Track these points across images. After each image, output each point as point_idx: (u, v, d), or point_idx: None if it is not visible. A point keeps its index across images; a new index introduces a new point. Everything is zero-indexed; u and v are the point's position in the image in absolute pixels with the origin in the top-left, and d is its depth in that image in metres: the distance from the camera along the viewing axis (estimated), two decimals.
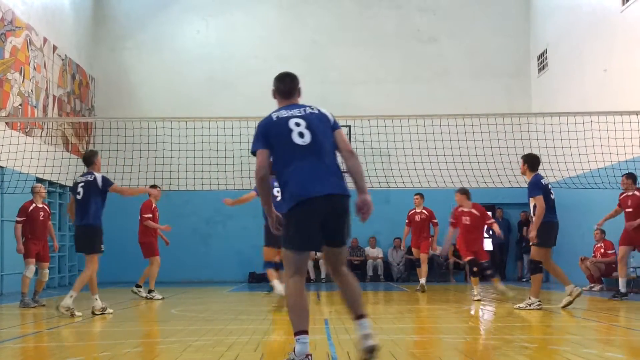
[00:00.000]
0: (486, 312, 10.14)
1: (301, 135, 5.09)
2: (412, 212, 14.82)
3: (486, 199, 20.03)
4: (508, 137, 14.72)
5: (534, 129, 15.99)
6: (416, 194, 14.85)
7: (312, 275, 19.56)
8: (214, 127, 14.88)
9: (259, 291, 15.19)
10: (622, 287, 12.02)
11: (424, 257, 14.49)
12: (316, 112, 5.27)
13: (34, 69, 16.62)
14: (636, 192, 12.28)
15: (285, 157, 5.08)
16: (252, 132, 16.88)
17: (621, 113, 13.51)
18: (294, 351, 4.89)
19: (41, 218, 11.79)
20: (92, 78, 20.79)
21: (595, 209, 16.26)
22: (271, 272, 10.24)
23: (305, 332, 4.91)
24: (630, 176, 12.36)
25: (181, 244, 18.13)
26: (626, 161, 13.64)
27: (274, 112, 5.33)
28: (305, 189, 4.95)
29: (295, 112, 5.23)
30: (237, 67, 20.95)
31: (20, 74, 15.85)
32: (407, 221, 14.91)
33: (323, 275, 19.55)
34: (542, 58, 20.23)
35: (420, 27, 21.32)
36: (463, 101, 19.89)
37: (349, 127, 19.90)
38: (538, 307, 9.74)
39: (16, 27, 15.71)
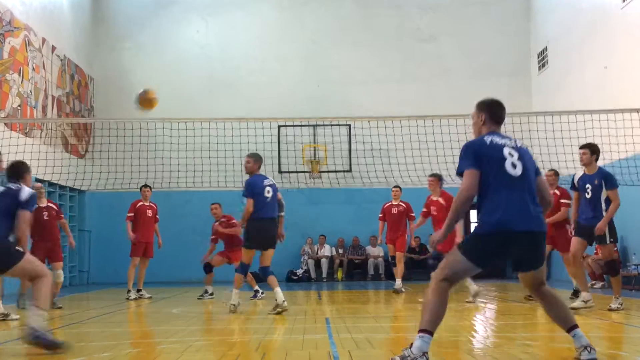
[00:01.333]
0: (488, 310, 10.12)
1: (514, 165, 5.09)
2: (389, 204, 13.87)
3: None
4: (509, 135, 14.69)
5: (534, 128, 15.97)
6: (395, 186, 13.98)
7: (313, 275, 19.54)
8: (214, 127, 14.88)
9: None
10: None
11: (399, 256, 13.45)
12: (524, 147, 5.28)
13: (33, 69, 16.60)
14: (556, 191, 11.86)
15: (497, 184, 5.06)
16: (252, 132, 16.91)
17: (622, 111, 13.49)
18: (411, 347, 4.93)
19: (45, 218, 11.41)
20: (91, 78, 20.77)
21: None
22: (239, 278, 9.78)
23: (430, 334, 4.96)
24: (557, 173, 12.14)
25: (181, 244, 18.11)
26: (627, 159, 13.63)
27: (486, 135, 5.37)
28: (512, 221, 4.97)
29: (507, 142, 5.25)
30: (237, 67, 20.95)
31: (19, 74, 15.83)
32: (380, 215, 13.91)
33: (324, 275, 19.54)
34: (542, 56, 20.21)
35: (420, 26, 21.31)
36: (463, 100, 19.74)
37: (349, 126, 19.92)
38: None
39: (15, 27, 15.68)
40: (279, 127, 19.86)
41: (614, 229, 9.73)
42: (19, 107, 15.78)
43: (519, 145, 5.23)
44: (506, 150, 5.13)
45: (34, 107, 16.63)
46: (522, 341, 6.42)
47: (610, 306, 9.40)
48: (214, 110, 18.39)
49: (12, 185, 6.68)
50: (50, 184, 17.06)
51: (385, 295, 14.32)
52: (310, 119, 16.75)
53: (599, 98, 15.58)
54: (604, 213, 9.31)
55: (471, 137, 15.81)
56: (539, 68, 20.40)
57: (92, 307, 11.13)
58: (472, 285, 11.06)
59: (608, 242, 9.65)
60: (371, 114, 15.98)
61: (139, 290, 13.02)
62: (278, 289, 9.45)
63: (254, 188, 9.69)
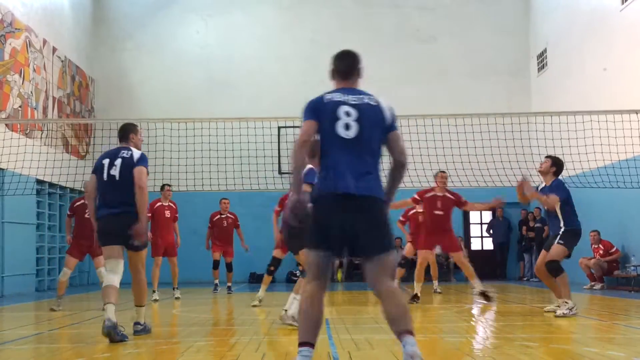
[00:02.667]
0: (487, 311, 10.14)
1: (347, 126, 4.60)
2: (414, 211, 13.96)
3: (486, 198, 20.02)
4: (508, 136, 14.72)
5: (533, 128, 15.98)
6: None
7: None
8: (214, 127, 14.88)
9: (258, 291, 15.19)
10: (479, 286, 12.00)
11: (457, 257, 12.51)
12: (374, 104, 4.73)
13: (34, 70, 16.62)
14: (447, 194, 12.14)
15: (327, 145, 4.61)
16: (252, 132, 16.95)
17: (621, 112, 13.50)
18: None
19: (86, 215, 11.16)
20: (91, 79, 20.79)
21: (595, 208, 16.26)
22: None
23: (310, 345, 4.40)
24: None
25: (181, 244, 18.10)
26: (627, 160, 13.64)
27: (327, 92, 4.80)
28: (335, 184, 4.49)
29: (351, 98, 4.71)
30: (237, 67, 20.97)
31: (20, 75, 15.85)
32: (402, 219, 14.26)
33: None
34: (541, 57, 20.23)
35: (419, 26, 21.33)
36: (462, 101, 19.89)
37: None
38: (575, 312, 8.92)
39: (16, 28, 15.71)
40: (279, 127, 19.87)
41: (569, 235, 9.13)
42: (19, 108, 15.80)
43: (365, 101, 4.70)
44: (342, 109, 4.63)
45: (35, 108, 16.65)
46: (521, 342, 6.44)
47: (558, 312, 9.08)
48: (213, 111, 18.41)
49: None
50: (51, 184, 17.09)
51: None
52: None
53: (598, 99, 15.61)
54: (562, 224, 9.06)
55: (470, 135, 15.75)
56: (539, 69, 20.42)
57: (93, 308, 11.14)
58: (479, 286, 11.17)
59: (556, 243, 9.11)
60: None
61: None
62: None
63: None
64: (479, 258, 20.59)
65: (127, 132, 7.83)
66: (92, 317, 9.56)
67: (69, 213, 11.44)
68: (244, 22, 21.32)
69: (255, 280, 19.16)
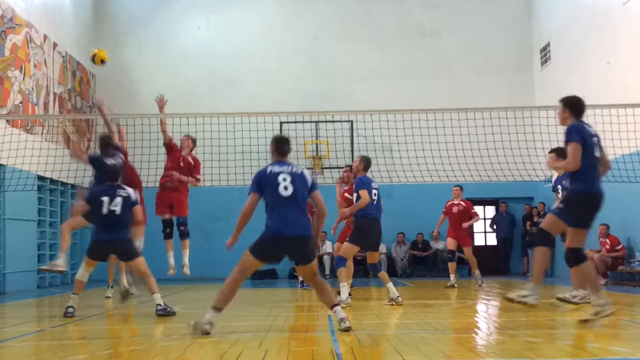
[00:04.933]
0: (491, 307, 10.09)
1: (285, 188, 6.95)
2: (450, 203, 14.46)
3: (490, 193, 20.04)
4: (511, 131, 14.67)
5: (537, 123, 15.92)
6: (455, 186, 14.50)
7: None
8: (216, 123, 14.85)
9: (262, 288, 15.17)
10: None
11: (467, 251, 14.30)
12: (300, 172, 7.10)
13: (35, 66, 16.58)
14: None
15: (273, 202, 6.96)
16: (254, 127, 16.87)
17: (625, 106, 13.43)
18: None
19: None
20: (92, 75, 20.75)
21: None
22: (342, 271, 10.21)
23: (219, 310, 7.00)
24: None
25: None
26: (630, 154, 13.58)
27: (269, 165, 7.14)
28: (282, 229, 6.91)
29: (285, 169, 7.05)
30: (239, 63, 20.93)
31: (21, 71, 15.81)
32: (444, 210, 14.60)
33: (327, 272, 19.51)
34: (544, 52, 20.15)
35: (421, 21, 21.26)
36: (465, 96, 19.83)
37: (351, 122, 19.88)
38: (588, 301, 8.64)
39: (16, 24, 15.66)
40: (280, 123, 19.82)
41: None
42: (20, 104, 15.76)
43: (294, 171, 7.05)
44: (281, 177, 6.98)
45: (36, 104, 16.61)
46: (525, 338, 6.39)
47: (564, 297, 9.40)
48: (215, 107, 18.34)
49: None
50: (52, 180, 17.06)
51: (387, 291, 14.28)
52: (312, 113, 16.73)
53: (602, 93, 15.50)
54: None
55: (473, 130, 15.65)
56: (542, 64, 20.34)
57: (94, 305, 11.11)
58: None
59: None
60: (373, 110, 15.90)
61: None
62: (390, 284, 10.10)
63: (369, 185, 10.11)
64: (482, 253, 20.57)
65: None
66: (92, 315, 9.54)
67: None
68: (245, 18, 21.27)
69: (257, 276, 19.11)
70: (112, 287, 12.27)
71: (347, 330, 6.80)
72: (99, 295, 12.72)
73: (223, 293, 6.94)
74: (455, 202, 14.31)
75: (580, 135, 7.39)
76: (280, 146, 7.30)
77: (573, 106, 7.55)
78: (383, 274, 10.29)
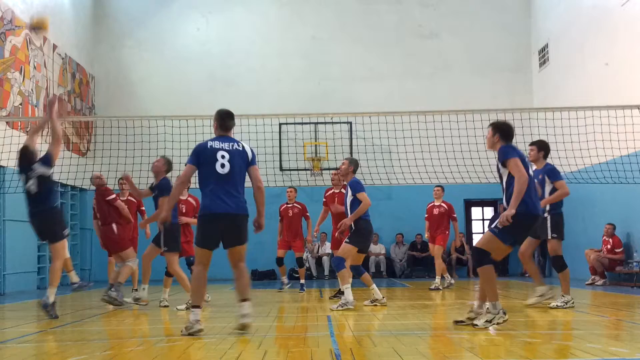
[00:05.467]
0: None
1: (222, 165, 6.84)
2: (431, 205, 14.18)
3: (488, 194, 20.07)
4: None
5: (535, 124, 15.95)
6: (437, 186, 14.27)
7: (315, 273, 19.55)
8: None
9: (261, 288, 15.18)
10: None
11: (437, 250, 13.77)
12: (240, 149, 6.99)
13: (34, 68, 16.60)
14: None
15: (208, 178, 6.86)
16: (253, 129, 16.85)
17: (623, 107, 13.45)
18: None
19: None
20: (92, 77, 20.78)
21: (598, 203, 16.26)
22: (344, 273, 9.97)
23: (199, 307, 6.95)
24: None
25: None
26: (629, 155, 13.61)
27: (210, 140, 7.05)
28: (214, 206, 6.83)
29: (225, 145, 6.95)
30: (237, 64, 20.96)
31: (21, 73, 15.84)
32: (426, 215, 14.27)
33: (326, 273, 19.53)
34: (543, 53, 20.19)
35: (421, 22, 21.30)
36: (464, 97, 19.86)
37: (350, 123, 19.91)
38: (572, 305, 9.20)
39: (16, 26, 15.69)
40: (280, 124, 19.85)
41: (559, 225, 9.59)
42: (20, 106, 15.78)
43: (234, 147, 6.94)
44: (219, 154, 6.86)
45: (35, 106, 16.63)
46: (524, 339, 6.41)
47: (552, 304, 9.31)
48: (214, 107, 17.98)
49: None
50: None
51: (387, 292, 14.32)
52: (311, 114, 16.78)
53: (600, 94, 15.57)
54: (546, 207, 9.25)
55: (471, 131, 15.70)
56: (540, 65, 20.39)
57: (95, 306, 11.13)
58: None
59: (550, 237, 9.55)
60: (372, 110, 15.94)
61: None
62: (374, 286, 10.06)
63: (362, 186, 9.99)
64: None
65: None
66: (93, 315, 9.55)
67: None
68: (244, 19, 21.30)
69: (257, 277, 19.14)
70: (113, 287, 12.25)
71: (242, 328, 6.86)
72: (98, 295, 12.73)
73: (193, 290, 7.07)
74: (437, 203, 14.09)
75: (516, 152, 7.37)
76: (223, 121, 7.20)
77: (502, 131, 7.56)
78: (366, 276, 10.13)
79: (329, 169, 19.46)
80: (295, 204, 13.93)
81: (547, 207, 9.39)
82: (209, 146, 6.94)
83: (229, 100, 19.90)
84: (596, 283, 14.79)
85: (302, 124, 19.71)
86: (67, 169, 15.11)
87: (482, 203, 20.80)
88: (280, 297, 12.91)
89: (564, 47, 18.67)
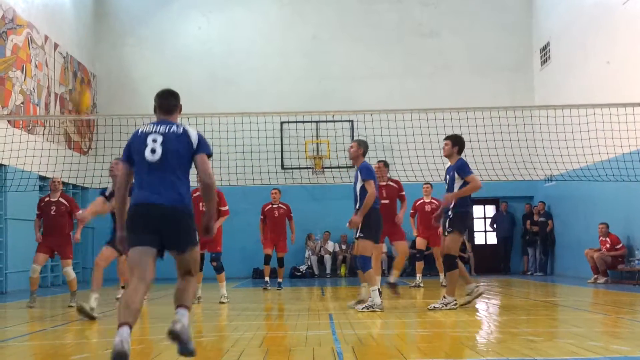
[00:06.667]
0: (491, 306, 10.11)
1: (153, 151, 5.38)
2: (421, 201, 14.19)
3: (490, 192, 20.00)
4: (511, 130, 14.69)
5: (537, 122, 15.97)
6: (426, 183, 14.26)
7: (316, 271, 19.56)
8: (216, 123, 14.87)
9: (261, 287, 15.18)
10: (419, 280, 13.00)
11: (437, 251, 13.31)
12: (180, 132, 5.48)
13: (36, 66, 16.60)
14: (390, 182, 11.87)
15: (138, 167, 5.44)
16: (254, 127, 16.88)
17: (624, 105, 13.45)
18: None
19: (53, 213, 11.41)
20: (93, 75, 20.78)
21: (599, 201, 16.24)
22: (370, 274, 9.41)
23: (129, 325, 4.99)
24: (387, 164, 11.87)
25: None
26: (630, 153, 13.60)
27: (143, 125, 5.62)
28: (143, 197, 5.33)
29: (159, 128, 5.49)
30: (238, 63, 20.95)
31: (22, 72, 15.84)
32: (412, 211, 14.14)
33: (328, 271, 19.55)
34: (544, 51, 20.17)
35: (421, 21, 21.28)
36: (465, 95, 19.84)
37: (352, 122, 19.91)
38: (454, 307, 9.06)
39: (17, 25, 15.69)
40: (281, 122, 19.85)
41: (462, 222, 9.20)
42: (22, 104, 15.79)
43: (170, 130, 5.46)
44: (150, 138, 5.41)
45: (37, 104, 16.64)
46: (526, 337, 6.41)
47: (430, 306, 9.13)
48: (215, 106, 18.38)
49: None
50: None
51: (388, 290, 14.31)
52: (312, 112, 16.80)
53: (601, 93, 15.55)
54: (451, 206, 9.11)
55: (473, 129, 15.66)
56: (541, 63, 20.37)
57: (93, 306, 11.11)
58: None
59: (445, 233, 9.20)
60: (373, 109, 15.94)
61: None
62: (366, 285, 9.29)
63: (373, 173, 9.22)
64: (482, 252, 20.61)
65: None
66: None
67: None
68: (245, 18, 21.29)
69: (258, 275, 19.15)
70: (123, 287, 12.41)
71: (171, 333, 5.15)
72: (100, 294, 12.72)
73: (129, 307, 5.11)
74: (427, 200, 14.09)
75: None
76: (159, 101, 5.70)
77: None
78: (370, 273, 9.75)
79: (330, 167, 19.47)
80: (280, 205, 14.00)
81: (453, 203, 9.12)
82: (139, 132, 5.52)
83: (229, 100, 19.99)
84: (598, 281, 14.78)
85: (303, 122, 19.70)
86: (68, 167, 15.12)
87: (484, 201, 20.79)
88: (281, 295, 12.91)
89: (565, 45, 18.65)
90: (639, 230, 14.68)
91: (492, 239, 21.18)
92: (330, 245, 19.91)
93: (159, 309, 10.75)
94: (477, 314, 8.88)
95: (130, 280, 5.22)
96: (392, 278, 11.20)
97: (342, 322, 7.87)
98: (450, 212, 9.15)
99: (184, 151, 5.46)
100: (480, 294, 9.44)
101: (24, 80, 15.94)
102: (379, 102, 18.76)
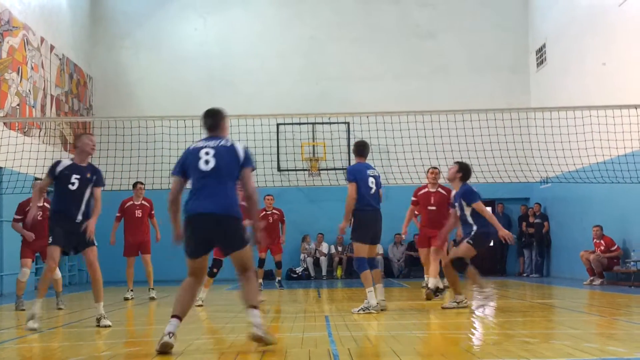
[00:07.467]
0: (487, 308, 10.12)
1: (206, 162, 6.09)
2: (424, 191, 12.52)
3: (486, 194, 19.89)
4: (507, 132, 14.71)
5: (533, 124, 15.98)
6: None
7: (312, 273, 19.56)
8: None
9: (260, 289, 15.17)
10: (431, 285, 11.47)
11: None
12: (228, 145, 6.20)
13: (32, 68, 16.58)
14: (440, 189, 11.96)
15: (193, 178, 6.13)
16: (251, 129, 16.86)
17: (620, 107, 13.48)
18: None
19: (39, 218, 11.53)
20: (90, 77, 20.76)
21: (595, 203, 16.27)
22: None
23: (179, 318, 5.99)
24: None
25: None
26: (625, 155, 13.63)
27: (195, 143, 6.33)
28: (196, 207, 6.01)
29: (210, 143, 6.21)
30: (236, 64, 20.95)
31: (18, 74, 15.82)
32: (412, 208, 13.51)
33: (324, 273, 19.55)
34: (540, 52, 20.21)
35: (419, 22, 21.31)
36: (462, 97, 19.87)
37: (348, 124, 19.91)
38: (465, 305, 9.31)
39: (13, 27, 15.67)
40: (277, 124, 19.85)
41: (480, 239, 9.46)
42: (17, 107, 15.77)
43: (221, 144, 6.17)
44: (202, 152, 6.13)
45: (33, 106, 16.62)
46: (522, 338, 6.42)
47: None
48: None
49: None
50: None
51: (385, 292, 14.31)
52: (309, 115, 16.82)
53: (597, 94, 15.59)
54: (474, 228, 9.28)
55: (469, 131, 15.66)
56: (537, 65, 20.41)
57: (92, 306, 11.11)
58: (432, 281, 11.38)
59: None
60: (370, 110, 15.96)
61: (149, 290, 12.93)
62: (371, 289, 9.14)
63: (360, 174, 9.24)
64: (478, 254, 20.58)
65: None
66: (90, 316, 9.53)
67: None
68: (242, 19, 21.29)
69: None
70: (132, 290, 12.73)
71: (254, 338, 5.82)
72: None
73: (176, 298, 6.13)
74: (432, 190, 13.53)
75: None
76: (204, 121, 6.43)
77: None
78: (377, 272, 9.42)
79: (326, 169, 19.47)
80: (274, 210, 14.01)
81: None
82: (191, 149, 6.25)
83: (226, 101, 19.87)
84: (594, 283, 14.80)
85: (299, 124, 19.70)
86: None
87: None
88: (278, 297, 12.90)
89: (561, 47, 18.69)
90: (635, 231, 14.71)
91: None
92: (325, 247, 19.90)
93: (159, 309, 10.73)
94: (473, 315, 8.88)
95: (186, 280, 6.09)
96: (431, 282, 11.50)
97: (338, 323, 7.87)
98: (473, 231, 9.36)
99: (233, 163, 6.12)
100: (465, 307, 9.43)
101: (20, 82, 15.93)
102: (376, 103, 18.78)
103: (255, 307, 5.93)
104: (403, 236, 13.41)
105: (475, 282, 9.39)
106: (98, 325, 7.89)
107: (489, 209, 21.54)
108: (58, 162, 8.37)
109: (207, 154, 6.10)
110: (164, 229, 13.65)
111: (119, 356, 5.90)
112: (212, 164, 6.06)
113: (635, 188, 13.64)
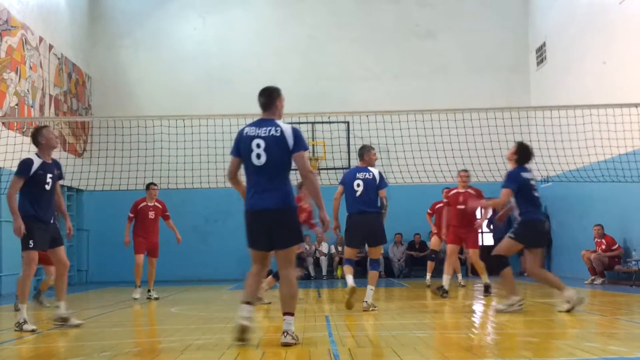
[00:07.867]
0: (488, 307, 10.10)
1: (258, 156, 6.15)
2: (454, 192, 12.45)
3: (486, 193, 19.97)
4: (507, 131, 14.67)
5: (533, 123, 15.96)
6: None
7: (312, 273, 19.53)
8: (212, 124, 14.84)
9: None
10: (445, 284, 11.44)
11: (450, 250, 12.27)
12: (278, 134, 6.21)
13: (30, 68, 16.55)
14: (469, 190, 12.07)
15: (248, 171, 6.27)
16: None
17: (620, 105, 13.45)
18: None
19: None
20: (88, 77, 20.73)
21: (595, 202, 16.25)
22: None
23: (250, 303, 6.17)
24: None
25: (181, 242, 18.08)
26: (626, 154, 13.60)
27: (246, 126, 6.40)
28: (252, 203, 6.20)
29: (261, 131, 6.26)
30: (235, 63, 20.92)
31: (16, 73, 15.78)
32: (429, 211, 14.56)
33: (324, 273, 19.52)
34: (540, 51, 20.19)
35: (418, 21, 21.28)
36: (462, 96, 19.85)
37: (347, 123, 19.88)
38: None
39: (12, 26, 15.64)
40: None
41: (524, 229, 8.96)
42: (16, 106, 15.73)
43: (271, 134, 6.20)
44: (254, 143, 6.18)
45: (32, 106, 16.58)
46: (523, 337, 6.40)
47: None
48: (211, 107, 18.35)
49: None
50: None
51: (385, 292, 14.30)
52: (308, 114, 16.80)
53: (597, 93, 15.56)
54: (517, 217, 9.13)
55: (469, 130, 15.64)
56: (537, 64, 20.38)
57: (92, 307, 11.10)
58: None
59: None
60: (369, 110, 15.92)
61: (149, 291, 12.85)
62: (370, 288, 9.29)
63: (344, 177, 9.74)
64: (480, 253, 20.55)
65: None
66: (90, 317, 9.52)
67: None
68: (241, 19, 21.26)
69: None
70: (139, 286, 12.69)
71: (284, 345, 5.98)
72: (96, 296, 12.71)
73: (245, 286, 6.33)
74: (461, 190, 13.45)
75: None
76: (258, 99, 6.69)
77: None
78: (371, 274, 9.53)
79: (326, 168, 19.42)
80: None
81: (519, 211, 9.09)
82: (244, 134, 6.30)
83: (225, 100, 19.94)
84: (594, 282, 14.78)
85: (299, 123, 19.63)
86: (63, 169, 15.03)
87: None
88: (276, 297, 12.87)
89: (561, 45, 18.66)
90: (636, 230, 14.68)
91: (489, 240, 21.15)
92: (325, 247, 19.87)
93: (160, 309, 10.71)
94: (474, 314, 8.86)
95: (252, 267, 6.31)
96: (484, 280, 12.15)
97: (339, 323, 7.85)
98: (516, 221, 9.00)
99: (284, 154, 6.14)
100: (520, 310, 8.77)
101: (19, 81, 15.89)
102: (376, 102, 18.75)
103: (290, 313, 6.06)
104: (443, 237, 13.09)
105: (508, 286, 8.82)
106: (63, 325, 7.74)
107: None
108: (30, 160, 7.87)
109: (258, 146, 6.15)
110: (163, 231, 13.68)
111: (118, 357, 5.87)
112: (263, 158, 6.13)
113: (636, 187, 13.62)
